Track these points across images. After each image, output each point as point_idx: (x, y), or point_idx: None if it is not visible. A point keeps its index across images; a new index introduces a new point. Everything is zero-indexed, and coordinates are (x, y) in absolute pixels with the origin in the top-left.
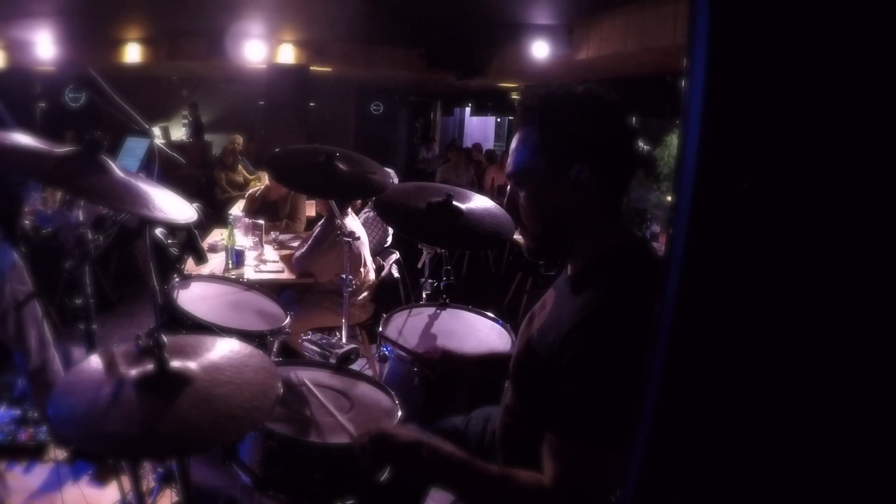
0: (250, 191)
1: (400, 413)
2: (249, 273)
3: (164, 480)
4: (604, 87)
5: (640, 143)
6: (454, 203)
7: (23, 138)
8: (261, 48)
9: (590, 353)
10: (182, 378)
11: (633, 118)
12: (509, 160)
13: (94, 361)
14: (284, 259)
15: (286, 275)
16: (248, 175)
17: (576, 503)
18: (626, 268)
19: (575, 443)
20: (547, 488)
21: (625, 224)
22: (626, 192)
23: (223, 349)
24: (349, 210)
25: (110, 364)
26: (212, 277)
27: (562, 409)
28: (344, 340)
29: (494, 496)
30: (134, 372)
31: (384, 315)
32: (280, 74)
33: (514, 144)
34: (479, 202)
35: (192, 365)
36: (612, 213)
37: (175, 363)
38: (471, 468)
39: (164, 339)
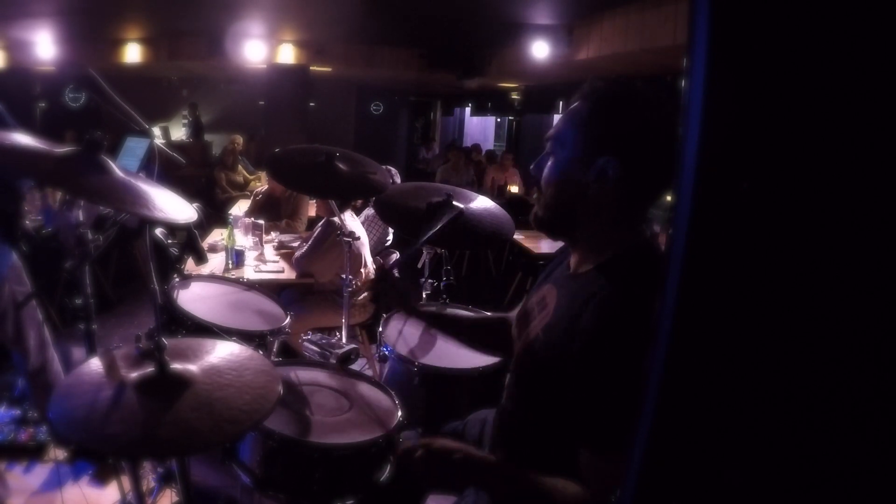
0: (256, 189)
1: (400, 413)
2: (249, 273)
3: (164, 480)
4: (664, 90)
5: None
6: (454, 203)
7: (23, 138)
8: (261, 48)
9: (612, 367)
10: (182, 381)
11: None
12: (556, 123)
13: (95, 364)
14: (284, 259)
15: (286, 275)
16: (248, 175)
17: None
18: (637, 271)
19: (610, 455)
20: (588, 499)
21: (641, 228)
22: (657, 198)
23: (223, 352)
24: (349, 210)
25: (111, 366)
26: (212, 277)
27: (589, 423)
28: (344, 340)
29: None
30: (134, 374)
31: (384, 315)
32: (280, 74)
33: (566, 112)
34: (479, 202)
35: (192, 367)
36: (632, 217)
37: (175, 366)
38: (513, 477)
39: (165, 341)
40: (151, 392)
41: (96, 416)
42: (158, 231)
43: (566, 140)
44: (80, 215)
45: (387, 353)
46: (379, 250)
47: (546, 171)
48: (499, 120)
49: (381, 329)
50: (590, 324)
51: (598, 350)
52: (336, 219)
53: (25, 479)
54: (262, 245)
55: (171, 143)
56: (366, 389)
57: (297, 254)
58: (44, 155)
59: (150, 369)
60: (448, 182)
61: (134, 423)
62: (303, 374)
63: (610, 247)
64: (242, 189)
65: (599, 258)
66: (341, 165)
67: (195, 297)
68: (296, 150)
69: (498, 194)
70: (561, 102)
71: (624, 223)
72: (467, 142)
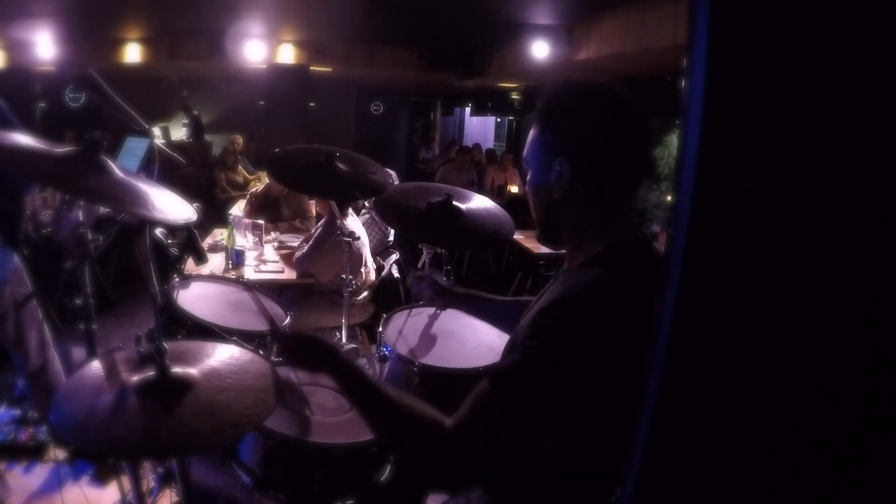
0: (251, 191)
1: None
2: (249, 273)
3: (164, 480)
4: (620, 87)
5: (648, 149)
6: (454, 203)
7: (23, 138)
8: (261, 48)
9: (548, 326)
10: (183, 384)
11: (644, 123)
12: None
13: (96, 367)
14: (285, 259)
15: (286, 275)
16: (248, 175)
17: (459, 455)
18: (612, 266)
19: (496, 400)
20: (444, 428)
21: (623, 227)
22: (627, 195)
23: (224, 355)
24: (349, 210)
25: (112, 370)
26: (212, 277)
27: (502, 363)
28: (344, 340)
29: (393, 423)
30: (135, 378)
31: (384, 315)
32: (280, 74)
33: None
34: (479, 202)
35: (193, 371)
36: (605, 215)
37: (176, 369)
38: (375, 390)
39: (166, 345)
40: (153, 396)
41: (98, 420)
42: (158, 231)
43: (533, 151)
44: (80, 215)
45: (387, 353)
46: (379, 251)
47: (527, 186)
48: (499, 120)
49: (380, 329)
50: (542, 303)
51: (541, 313)
52: (336, 219)
53: (25, 479)
54: (262, 245)
55: (171, 143)
56: None
57: (298, 254)
58: (44, 155)
59: (151, 373)
60: (449, 182)
61: (135, 428)
62: (303, 374)
63: (595, 245)
64: (242, 189)
65: (583, 256)
66: (341, 165)
67: (195, 297)
68: (296, 150)
69: (498, 194)
70: None
71: (597, 222)
72: (467, 141)
